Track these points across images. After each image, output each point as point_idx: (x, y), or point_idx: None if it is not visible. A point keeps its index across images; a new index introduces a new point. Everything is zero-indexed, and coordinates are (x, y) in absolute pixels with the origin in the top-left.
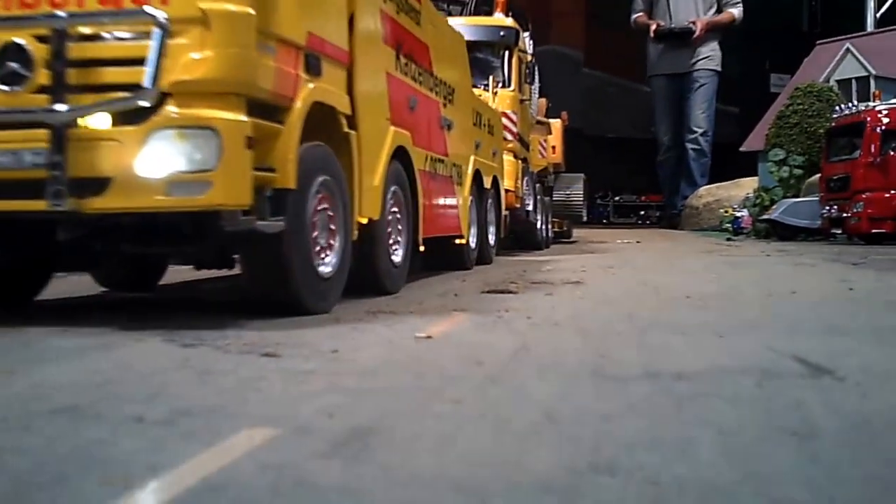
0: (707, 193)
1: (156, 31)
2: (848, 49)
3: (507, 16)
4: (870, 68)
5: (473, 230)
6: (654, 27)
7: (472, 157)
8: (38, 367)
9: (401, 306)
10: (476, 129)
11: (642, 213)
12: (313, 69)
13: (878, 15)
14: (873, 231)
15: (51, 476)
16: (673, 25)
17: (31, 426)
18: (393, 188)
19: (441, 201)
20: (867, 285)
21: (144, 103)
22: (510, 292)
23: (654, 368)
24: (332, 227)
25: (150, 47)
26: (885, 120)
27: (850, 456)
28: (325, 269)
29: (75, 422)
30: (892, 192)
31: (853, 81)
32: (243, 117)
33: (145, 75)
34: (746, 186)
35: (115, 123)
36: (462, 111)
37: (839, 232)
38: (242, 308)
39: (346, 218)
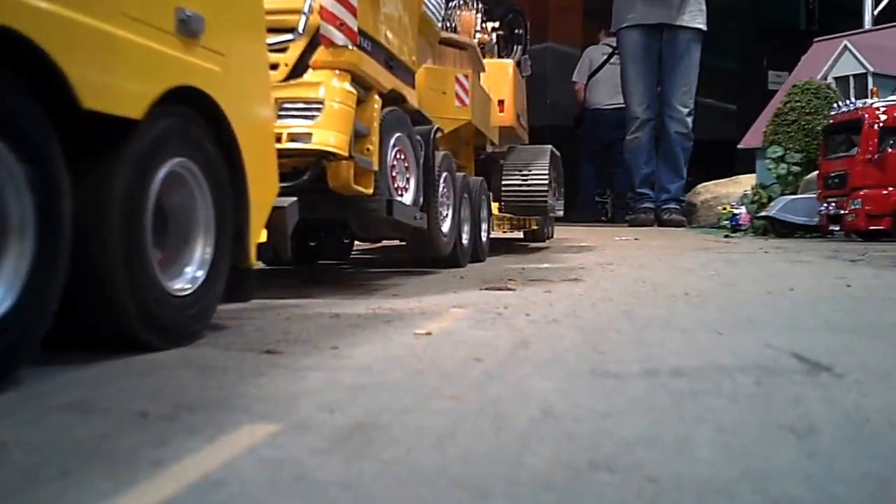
0: (705, 190)
1: None
2: (846, 46)
3: None
4: (867, 65)
5: None
6: None
7: None
8: (43, 364)
9: (400, 304)
10: None
11: None
12: None
13: (875, 12)
14: (871, 228)
15: (56, 470)
16: None
17: (38, 421)
18: None
19: None
20: (865, 282)
21: None
22: (508, 289)
23: (652, 365)
24: None
25: None
26: (883, 117)
27: (849, 453)
28: None
29: (83, 416)
30: (890, 188)
31: (851, 78)
32: None
33: None
34: (745, 183)
35: None
36: None
37: (837, 229)
38: (244, 306)
39: None
